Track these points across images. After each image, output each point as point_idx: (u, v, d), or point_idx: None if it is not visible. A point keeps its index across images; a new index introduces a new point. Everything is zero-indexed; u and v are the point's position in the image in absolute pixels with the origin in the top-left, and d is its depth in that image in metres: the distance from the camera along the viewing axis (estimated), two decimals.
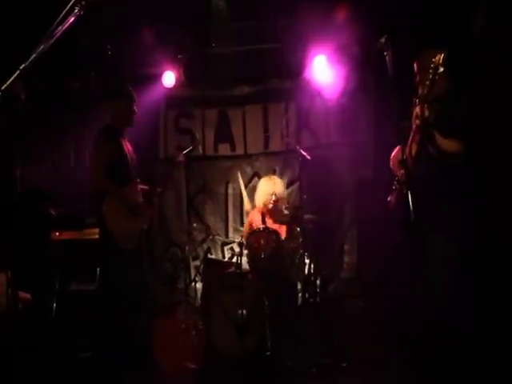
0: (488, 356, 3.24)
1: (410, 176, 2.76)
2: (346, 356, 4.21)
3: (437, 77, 2.83)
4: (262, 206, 5.15)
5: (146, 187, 4.11)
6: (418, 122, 2.96)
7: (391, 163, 3.44)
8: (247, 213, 5.55)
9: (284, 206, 5.15)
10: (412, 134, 3.07)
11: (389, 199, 3.37)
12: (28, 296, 1.72)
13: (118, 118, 3.93)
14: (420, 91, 3.09)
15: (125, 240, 3.71)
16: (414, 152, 3.08)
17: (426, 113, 2.96)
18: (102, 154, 3.71)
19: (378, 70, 5.16)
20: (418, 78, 3.22)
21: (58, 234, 4.70)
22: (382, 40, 2.89)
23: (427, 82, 2.87)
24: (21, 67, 1.55)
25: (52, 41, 1.73)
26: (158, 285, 5.68)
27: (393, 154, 3.41)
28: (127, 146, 3.96)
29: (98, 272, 4.28)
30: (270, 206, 5.06)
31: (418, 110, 2.98)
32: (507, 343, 3.34)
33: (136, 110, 3.99)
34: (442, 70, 2.81)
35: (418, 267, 3.02)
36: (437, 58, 2.80)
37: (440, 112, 3.06)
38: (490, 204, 3.66)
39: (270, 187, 5.15)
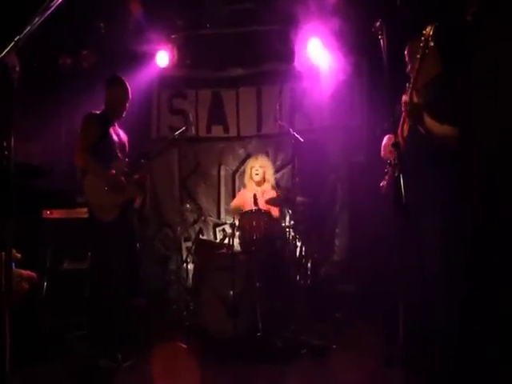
0: (474, 339, 3.28)
1: (402, 159, 2.75)
2: (336, 338, 4.27)
3: (427, 51, 2.80)
4: (248, 181, 5.32)
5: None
6: (408, 107, 2.95)
7: (382, 151, 3.43)
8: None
9: (273, 182, 5.28)
10: (402, 118, 3.07)
11: (381, 184, 3.37)
12: (33, 274, 1.72)
13: (109, 107, 4.03)
14: (412, 77, 3.09)
15: (104, 212, 3.82)
16: (405, 133, 3.08)
17: (415, 98, 2.96)
18: (86, 136, 3.86)
19: (371, 55, 5.18)
20: (409, 66, 3.21)
21: (48, 212, 4.68)
22: (377, 24, 2.86)
23: (418, 56, 2.85)
24: (15, 39, 1.53)
25: (47, 14, 1.70)
26: (150, 265, 5.69)
27: (384, 141, 3.41)
28: (116, 132, 4.05)
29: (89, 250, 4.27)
30: (256, 177, 5.22)
31: (405, 97, 2.97)
32: (496, 327, 3.39)
33: (127, 107, 4.09)
34: (432, 44, 2.79)
35: (408, 250, 3.04)
36: (427, 29, 2.78)
37: (430, 98, 3.05)
38: (484, 187, 3.69)
39: (253, 162, 5.35)
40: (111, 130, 3.98)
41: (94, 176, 3.85)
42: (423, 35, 2.78)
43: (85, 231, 4.20)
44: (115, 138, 4.00)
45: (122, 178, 3.94)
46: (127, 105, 4.09)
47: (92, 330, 3.86)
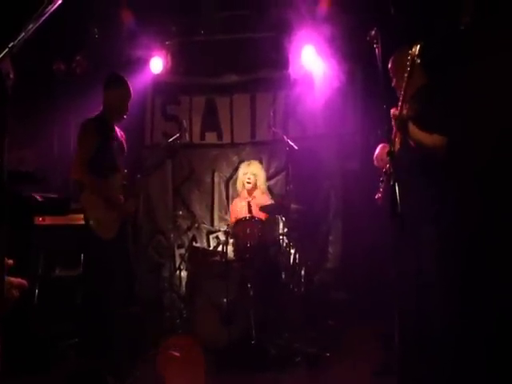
0: (469, 347, 3.28)
1: (396, 168, 2.76)
2: (330, 345, 4.25)
3: (414, 69, 2.83)
4: (241, 189, 5.28)
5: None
6: (396, 120, 2.97)
7: (375, 161, 3.44)
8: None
9: (264, 188, 5.28)
10: (394, 131, 3.08)
11: (376, 197, 3.37)
12: (24, 281, 1.70)
13: (109, 109, 3.80)
14: (398, 92, 3.12)
15: (103, 229, 3.63)
16: (397, 146, 3.09)
17: (404, 111, 2.98)
18: (84, 149, 3.65)
19: (365, 63, 5.20)
20: (394, 80, 3.23)
21: (41, 219, 4.63)
22: (372, 32, 2.87)
23: (405, 75, 2.87)
24: (9, 45, 1.51)
25: (41, 20, 1.68)
26: (144, 273, 5.65)
27: (376, 151, 3.42)
28: (116, 137, 3.86)
29: (82, 258, 4.23)
30: (248, 186, 5.20)
31: (393, 110, 2.98)
32: (491, 335, 3.38)
33: (128, 107, 3.86)
34: (418, 61, 2.81)
35: (404, 258, 3.04)
36: (413, 49, 2.80)
37: (418, 108, 3.07)
38: (477, 195, 3.70)
39: (245, 169, 5.32)
40: (111, 138, 3.79)
41: (91, 193, 3.66)
42: (410, 55, 2.81)
43: (77, 238, 4.16)
44: (115, 143, 3.81)
45: (120, 196, 3.79)
46: (128, 107, 3.86)
47: (88, 342, 3.68)
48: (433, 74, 3.22)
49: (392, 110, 3.00)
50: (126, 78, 3.90)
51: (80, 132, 3.71)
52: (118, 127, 3.98)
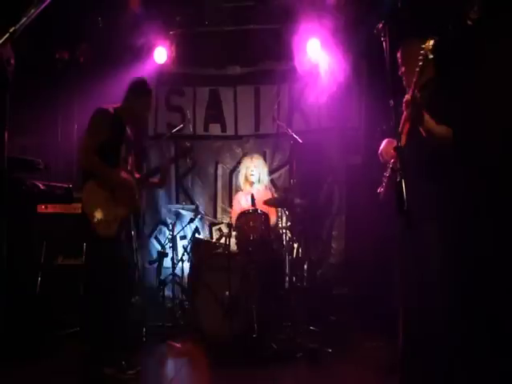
0: (471, 343, 3.26)
1: (404, 163, 2.72)
2: (333, 341, 4.21)
3: (426, 63, 2.79)
4: (244, 182, 5.28)
5: (137, 176, 3.85)
6: (410, 104, 2.91)
7: (380, 156, 3.39)
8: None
9: (266, 183, 5.28)
10: (402, 123, 3.03)
11: (379, 191, 3.33)
12: None
13: (128, 112, 3.63)
14: (405, 81, 3.07)
15: (103, 227, 3.42)
16: (403, 141, 3.04)
17: (418, 95, 2.92)
18: (98, 133, 3.41)
19: (370, 56, 5.15)
20: (403, 68, 3.18)
21: (44, 207, 4.61)
22: (379, 25, 2.82)
23: (417, 69, 2.82)
24: (10, 30, 1.48)
25: (43, 5, 1.65)
26: (146, 264, 5.63)
27: (381, 146, 3.37)
28: (129, 141, 3.70)
29: (84, 247, 4.20)
30: (252, 178, 5.20)
31: (408, 96, 2.93)
32: (493, 333, 3.36)
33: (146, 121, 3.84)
34: (431, 56, 2.77)
35: (407, 254, 3.01)
36: (427, 44, 2.75)
37: (428, 99, 3.02)
38: (482, 192, 3.67)
39: (248, 163, 5.31)
40: (123, 136, 3.61)
41: (96, 182, 3.44)
42: (423, 49, 2.76)
43: (80, 227, 4.13)
44: (124, 146, 3.62)
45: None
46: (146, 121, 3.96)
47: (89, 332, 3.56)
48: (442, 70, 3.17)
49: (406, 96, 2.94)
50: (151, 95, 3.80)
51: (96, 117, 3.48)
52: (131, 130, 3.80)
